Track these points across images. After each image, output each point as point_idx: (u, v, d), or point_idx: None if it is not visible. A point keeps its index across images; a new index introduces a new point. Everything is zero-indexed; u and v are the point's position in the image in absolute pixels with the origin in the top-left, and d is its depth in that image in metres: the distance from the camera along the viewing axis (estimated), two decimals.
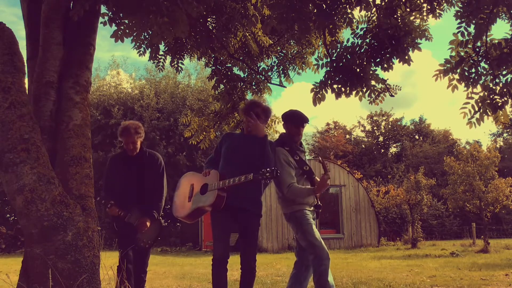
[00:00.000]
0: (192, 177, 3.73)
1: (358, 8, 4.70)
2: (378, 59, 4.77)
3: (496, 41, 4.41)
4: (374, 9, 4.79)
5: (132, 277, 3.97)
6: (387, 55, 4.72)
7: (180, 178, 3.86)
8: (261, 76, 5.93)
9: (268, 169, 3.21)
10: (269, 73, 6.03)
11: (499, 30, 30.79)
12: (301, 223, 3.63)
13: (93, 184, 3.35)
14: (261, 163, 3.49)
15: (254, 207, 3.58)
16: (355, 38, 4.86)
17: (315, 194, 3.66)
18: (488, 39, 4.41)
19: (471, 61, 4.52)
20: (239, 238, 3.57)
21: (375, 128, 39.07)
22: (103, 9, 3.72)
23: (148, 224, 4.01)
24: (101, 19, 3.70)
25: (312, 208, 3.78)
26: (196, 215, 3.58)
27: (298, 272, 3.80)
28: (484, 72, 4.53)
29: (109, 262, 3.61)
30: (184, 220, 3.72)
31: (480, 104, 4.49)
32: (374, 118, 38.98)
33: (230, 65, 5.77)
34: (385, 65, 4.77)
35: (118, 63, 41.68)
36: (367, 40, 4.82)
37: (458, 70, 4.52)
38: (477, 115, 4.49)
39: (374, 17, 4.90)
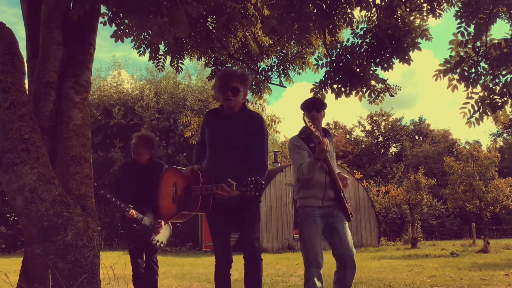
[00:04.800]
0: (174, 175, 3.28)
1: (358, 8, 4.70)
2: (378, 59, 4.77)
3: (496, 41, 4.41)
4: (374, 9, 4.79)
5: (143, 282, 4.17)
6: (387, 55, 4.73)
7: (162, 174, 3.47)
8: (261, 76, 5.93)
9: (253, 180, 2.71)
10: (269, 73, 6.03)
11: (499, 30, 30.87)
12: (301, 220, 3.41)
13: (93, 184, 3.35)
14: (249, 147, 3.02)
15: (251, 199, 3.04)
16: (355, 38, 4.87)
17: (318, 160, 3.23)
18: (488, 39, 4.42)
19: (471, 61, 4.52)
20: (240, 230, 3.15)
21: (375, 128, 39.10)
22: (103, 9, 3.72)
23: (163, 225, 4.22)
24: (101, 19, 3.70)
25: (326, 204, 3.38)
26: (182, 218, 3.27)
27: (337, 272, 3.46)
28: (484, 72, 4.53)
29: (109, 262, 3.61)
30: (171, 221, 3.63)
31: (479, 104, 4.49)
32: (374, 118, 39.01)
33: (230, 65, 5.78)
34: (385, 65, 4.78)
35: (120, 63, 41.67)
36: (367, 40, 4.82)
37: (458, 70, 4.52)
38: (477, 115, 4.49)
39: (374, 17, 4.91)
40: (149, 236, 4.12)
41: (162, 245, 4.25)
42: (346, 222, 3.45)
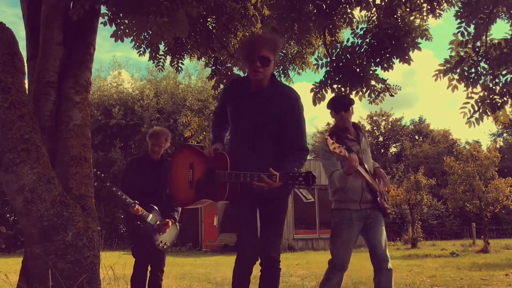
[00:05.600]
0: (191, 154, 2.77)
1: (358, 8, 4.71)
2: (378, 59, 4.77)
3: (496, 41, 4.41)
4: (374, 9, 4.80)
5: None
6: (387, 55, 4.73)
7: (175, 153, 3.01)
8: None
9: (302, 172, 2.27)
10: None
11: (499, 30, 30.78)
12: (336, 223, 3.33)
13: (93, 184, 3.34)
14: (284, 128, 2.57)
15: (285, 190, 2.66)
16: (355, 38, 4.88)
17: (348, 175, 3.12)
18: (488, 39, 4.42)
19: (471, 61, 4.52)
20: (261, 227, 2.75)
21: (375, 128, 39.10)
22: (103, 9, 3.72)
23: (170, 224, 4.03)
24: (101, 19, 3.70)
25: (364, 207, 3.29)
26: (199, 204, 2.83)
27: (374, 278, 3.43)
28: (484, 72, 4.53)
29: (109, 262, 3.61)
30: (186, 207, 3.16)
31: (479, 104, 4.50)
32: (374, 118, 39.01)
33: (230, 65, 5.78)
34: (385, 65, 4.78)
35: (120, 63, 41.66)
36: (367, 40, 4.82)
37: (458, 70, 4.52)
38: (477, 115, 4.49)
39: (374, 17, 4.91)
40: (153, 236, 3.93)
41: (165, 247, 4.05)
42: (383, 224, 3.39)
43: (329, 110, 3.43)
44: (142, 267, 3.96)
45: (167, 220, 4.01)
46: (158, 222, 3.98)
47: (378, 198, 3.31)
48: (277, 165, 2.41)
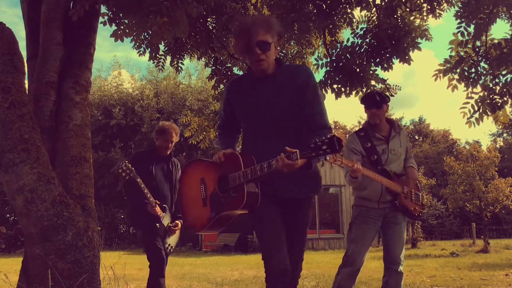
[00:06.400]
0: (200, 168, 2.44)
1: (358, 8, 4.71)
2: (378, 59, 4.78)
3: (496, 41, 4.42)
4: (374, 9, 4.80)
5: None
6: (387, 55, 4.74)
7: (182, 173, 2.68)
8: None
9: (323, 139, 1.90)
10: None
11: (499, 30, 30.78)
12: (353, 217, 3.36)
13: (93, 184, 3.34)
14: (302, 111, 2.28)
15: (310, 188, 2.38)
16: (355, 38, 4.89)
17: (353, 179, 3.08)
18: (488, 39, 4.42)
19: (471, 61, 4.53)
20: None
21: None
22: (103, 9, 3.72)
23: (180, 226, 3.89)
24: (101, 19, 3.70)
25: (382, 206, 3.25)
26: (220, 224, 2.33)
27: (383, 277, 3.38)
28: (484, 72, 4.54)
29: (109, 262, 3.61)
30: (205, 233, 2.57)
31: (479, 104, 4.50)
32: None
33: (230, 65, 5.78)
34: (385, 65, 4.79)
35: (121, 63, 41.66)
36: (367, 40, 4.83)
37: (458, 70, 4.53)
38: (477, 115, 4.50)
39: (374, 17, 4.92)
40: (163, 238, 3.78)
41: (171, 250, 3.93)
42: (403, 225, 3.35)
43: (363, 105, 3.38)
44: (161, 272, 3.77)
45: (177, 221, 3.86)
46: (169, 224, 3.83)
47: (397, 202, 3.26)
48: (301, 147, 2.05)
